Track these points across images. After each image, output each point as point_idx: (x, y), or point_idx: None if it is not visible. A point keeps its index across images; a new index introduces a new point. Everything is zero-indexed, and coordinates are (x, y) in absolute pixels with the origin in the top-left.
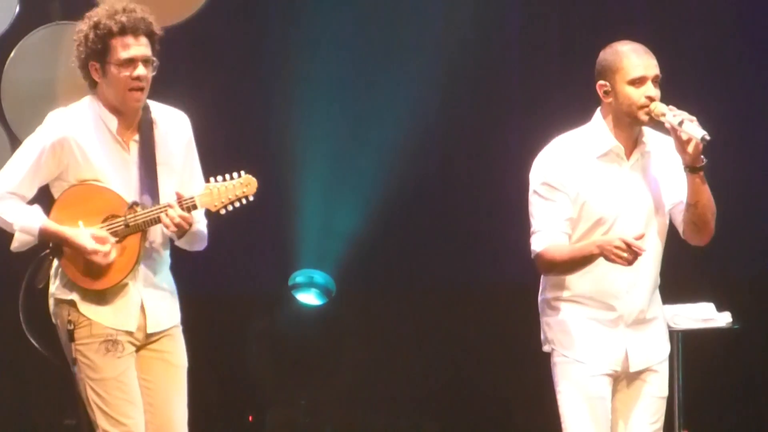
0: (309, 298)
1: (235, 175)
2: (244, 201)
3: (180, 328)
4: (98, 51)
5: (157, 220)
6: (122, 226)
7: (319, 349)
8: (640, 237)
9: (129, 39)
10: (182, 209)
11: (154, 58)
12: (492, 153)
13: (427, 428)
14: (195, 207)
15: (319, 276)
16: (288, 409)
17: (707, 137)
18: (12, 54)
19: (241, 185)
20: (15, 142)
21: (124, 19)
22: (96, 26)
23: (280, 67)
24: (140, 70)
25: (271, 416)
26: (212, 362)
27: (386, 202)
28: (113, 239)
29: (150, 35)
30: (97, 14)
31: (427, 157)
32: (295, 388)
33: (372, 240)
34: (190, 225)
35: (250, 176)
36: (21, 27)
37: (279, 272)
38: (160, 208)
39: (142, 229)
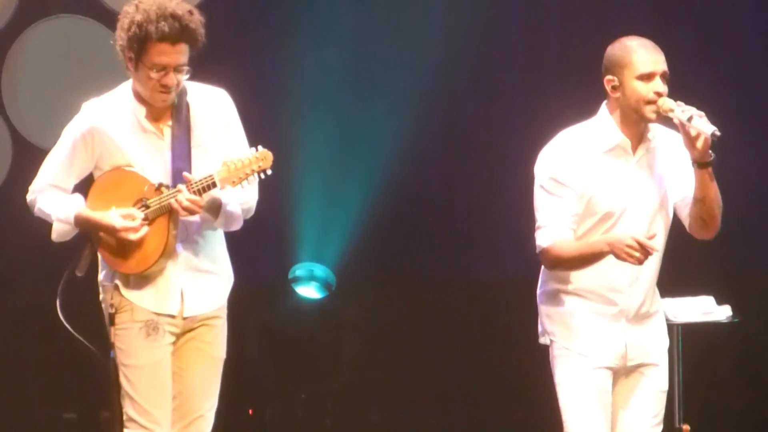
0: (309, 291)
1: (252, 149)
2: (262, 175)
3: (222, 319)
4: (134, 47)
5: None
6: (146, 208)
7: (318, 343)
8: (652, 237)
9: (167, 47)
10: (195, 191)
11: (188, 67)
12: (491, 148)
13: (427, 423)
14: (215, 185)
15: (319, 269)
16: (288, 402)
17: (717, 133)
18: (12, 47)
19: (257, 159)
20: (16, 134)
21: (166, 28)
22: (139, 25)
23: (282, 57)
24: (169, 79)
25: (270, 410)
26: None
27: (387, 196)
28: (141, 213)
29: (191, 43)
30: (144, 11)
31: (427, 152)
32: (295, 382)
33: (372, 234)
34: (202, 207)
35: (266, 150)
36: (21, 20)
37: (279, 265)
38: (172, 193)
39: (159, 214)
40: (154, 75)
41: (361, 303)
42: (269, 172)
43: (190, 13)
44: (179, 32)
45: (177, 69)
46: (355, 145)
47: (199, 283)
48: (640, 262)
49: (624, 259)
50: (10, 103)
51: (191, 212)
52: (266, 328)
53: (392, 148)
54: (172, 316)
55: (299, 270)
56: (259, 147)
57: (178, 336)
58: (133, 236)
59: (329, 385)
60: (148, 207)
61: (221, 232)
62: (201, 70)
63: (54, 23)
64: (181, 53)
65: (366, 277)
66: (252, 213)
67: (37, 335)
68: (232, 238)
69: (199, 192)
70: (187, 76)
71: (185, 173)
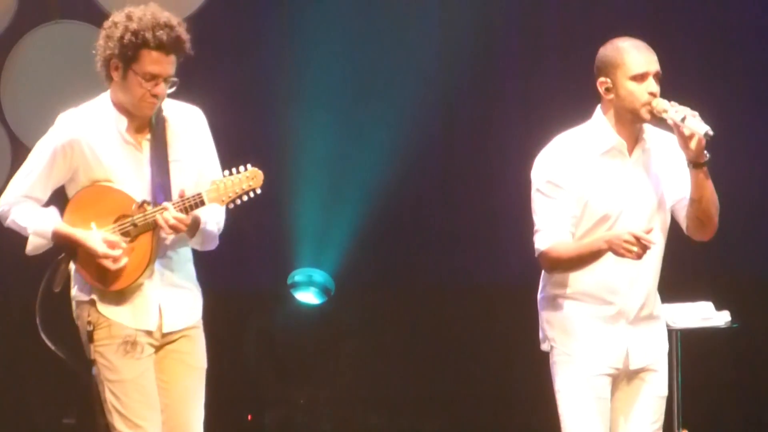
0: (308, 297)
1: (241, 168)
2: (251, 194)
3: (200, 329)
4: (126, 55)
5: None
6: (131, 226)
7: (317, 348)
8: (649, 231)
9: (161, 56)
10: (182, 209)
11: (176, 79)
12: (490, 152)
13: (426, 428)
14: (203, 203)
15: (317, 275)
16: (287, 408)
17: (710, 132)
18: (12, 52)
19: (247, 178)
20: (15, 141)
21: (164, 37)
22: (135, 33)
23: (280, 64)
24: (160, 88)
25: (269, 415)
26: (211, 361)
27: (386, 202)
28: (124, 244)
29: (181, 54)
30: (139, 19)
31: (426, 156)
32: (294, 387)
33: (371, 239)
34: (187, 226)
35: (256, 169)
36: (21, 25)
37: (278, 271)
38: (156, 210)
39: (152, 227)
40: (145, 84)
41: (360, 308)
42: (259, 191)
43: (179, 24)
44: (174, 42)
45: (165, 80)
46: (354, 150)
47: (176, 299)
48: (639, 256)
49: (623, 255)
50: (9, 109)
51: (176, 230)
52: (265, 334)
53: (391, 153)
54: (150, 332)
55: (298, 275)
56: (248, 165)
57: (157, 348)
58: (111, 266)
59: (328, 391)
60: (135, 225)
61: (190, 249)
62: (201, 74)
63: (53, 29)
64: (171, 64)
65: (365, 282)
66: (221, 231)
67: (36, 340)
68: (231, 244)
69: (186, 210)
70: (173, 89)
71: (182, 188)
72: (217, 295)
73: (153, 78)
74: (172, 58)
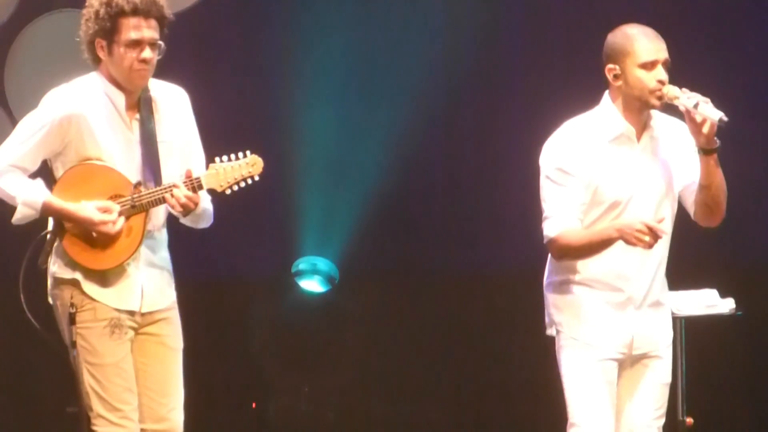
0: (312, 285)
1: (240, 155)
2: (249, 181)
3: (176, 310)
4: (107, 29)
5: (162, 200)
6: (128, 206)
7: (322, 337)
8: (661, 221)
9: (139, 21)
10: (191, 188)
11: (161, 42)
12: (495, 140)
13: (431, 416)
14: (201, 187)
15: (322, 263)
16: (291, 396)
17: (725, 118)
18: (15, 41)
19: (247, 165)
20: None
21: (137, 0)
22: (108, 4)
23: (283, 51)
24: (147, 53)
25: (274, 403)
26: (215, 349)
27: (390, 189)
28: (117, 206)
29: (160, 19)
30: None
31: (431, 144)
32: (298, 376)
33: (375, 227)
34: (197, 205)
35: (255, 156)
36: (24, 13)
37: (282, 259)
38: (165, 188)
39: (147, 209)
40: (131, 52)
41: (364, 297)
42: (257, 178)
43: None
44: (149, 5)
45: (152, 45)
46: (359, 138)
47: (156, 279)
48: (650, 246)
49: (634, 244)
50: (13, 98)
51: (187, 208)
52: (269, 322)
53: (396, 141)
54: (132, 313)
55: (302, 263)
56: (248, 152)
57: (136, 330)
58: (111, 229)
59: (332, 379)
60: (134, 206)
61: (166, 232)
62: (204, 68)
63: (57, 17)
64: (153, 28)
65: (369, 270)
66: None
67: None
68: (235, 231)
69: (194, 189)
70: (160, 56)
71: (188, 168)
72: (221, 283)
73: (137, 44)
74: (152, 23)
